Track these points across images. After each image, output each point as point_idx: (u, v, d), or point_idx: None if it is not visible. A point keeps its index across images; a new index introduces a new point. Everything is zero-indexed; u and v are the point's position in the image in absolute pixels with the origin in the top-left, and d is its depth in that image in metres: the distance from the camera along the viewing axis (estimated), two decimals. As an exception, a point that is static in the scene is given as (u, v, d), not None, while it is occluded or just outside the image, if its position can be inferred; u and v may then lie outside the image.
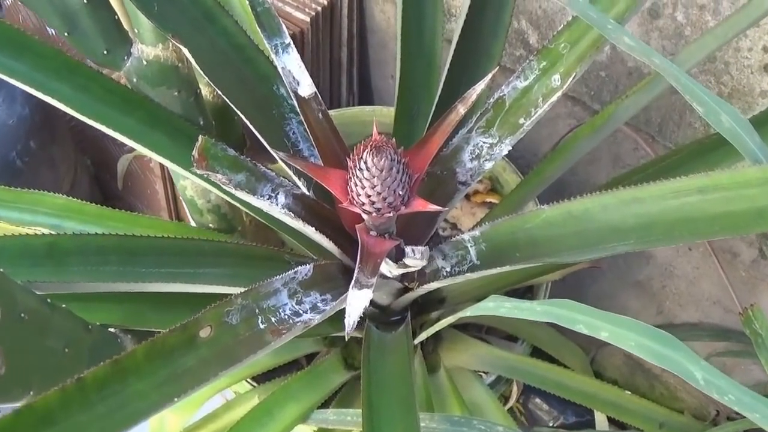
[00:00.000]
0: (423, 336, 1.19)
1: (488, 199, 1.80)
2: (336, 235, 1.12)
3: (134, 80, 1.20)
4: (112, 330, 1.21)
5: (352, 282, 0.91)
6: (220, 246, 1.17)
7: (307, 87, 1.06)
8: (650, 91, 1.16)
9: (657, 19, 1.46)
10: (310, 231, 1.08)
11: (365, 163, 0.98)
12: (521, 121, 1.08)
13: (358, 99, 2.13)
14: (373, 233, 1.08)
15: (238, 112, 1.11)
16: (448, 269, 1.15)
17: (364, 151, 0.98)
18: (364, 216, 0.95)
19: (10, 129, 1.90)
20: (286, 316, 1.00)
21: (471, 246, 1.14)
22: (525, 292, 1.73)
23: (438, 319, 1.46)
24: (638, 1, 1.01)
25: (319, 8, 1.86)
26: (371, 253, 1.02)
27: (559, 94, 1.01)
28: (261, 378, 1.63)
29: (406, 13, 1.28)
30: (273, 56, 1.05)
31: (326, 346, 1.56)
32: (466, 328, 1.65)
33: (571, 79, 0.99)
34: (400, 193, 0.99)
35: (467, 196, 1.82)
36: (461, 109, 1.00)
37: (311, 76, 1.08)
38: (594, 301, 2.06)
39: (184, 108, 1.21)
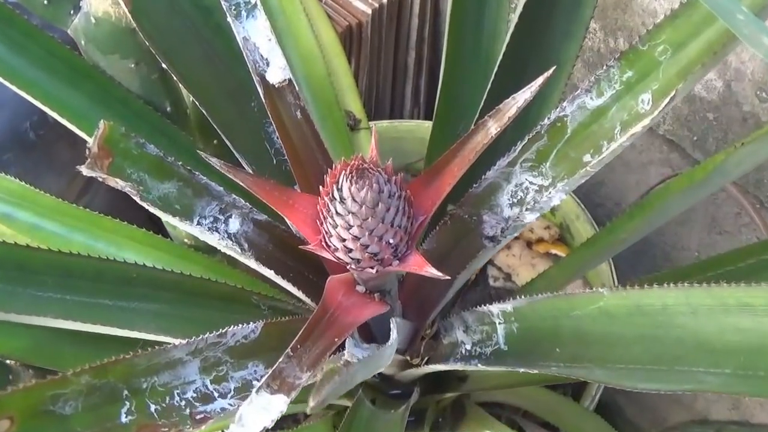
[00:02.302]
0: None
1: (554, 251, 1.43)
2: (319, 280, 0.77)
3: (82, 43, 0.86)
4: (8, 362, 0.88)
5: (264, 378, 0.53)
6: (154, 275, 0.81)
7: (278, 70, 0.70)
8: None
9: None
10: (269, 273, 0.73)
11: (340, 191, 0.61)
12: (586, 158, 0.68)
13: (424, 113, 1.74)
14: (359, 289, 0.72)
15: (194, 100, 0.74)
16: (468, 347, 0.84)
17: (341, 173, 0.61)
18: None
19: (26, 96, 1.58)
20: (184, 403, 0.62)
21: (499, 323, 0.81)
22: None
23: (457, 400, 1.08)
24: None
25: (384, 0, 1.48)
26: (334, 323, 0.65)
27: (647, 122, 0.61)
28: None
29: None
30: (231, 20, 0.67)
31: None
32: (501, 407, 1.25)
33: (667, 101, 0.58)
34: (391, 242, 0.63)
35: (529, 245, 1.44)
36: (492, 128, 0.62)
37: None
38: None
39: (145, 86, 0.87)
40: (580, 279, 1.37)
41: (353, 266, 0.67)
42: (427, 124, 1.52)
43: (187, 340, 0.65)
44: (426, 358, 0.89)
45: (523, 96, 0.60)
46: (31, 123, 1.62)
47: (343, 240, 0.65)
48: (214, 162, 0.63)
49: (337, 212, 0.64)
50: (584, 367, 0.68)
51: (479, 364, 0.80)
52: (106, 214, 1.06)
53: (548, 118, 0.71)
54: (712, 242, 1.43)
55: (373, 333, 0.84)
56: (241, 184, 0.65)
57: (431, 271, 0.63)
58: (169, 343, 0.73)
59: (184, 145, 0.91)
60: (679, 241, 1.51)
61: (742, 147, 0.79)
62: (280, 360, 0.56)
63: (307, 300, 0.80)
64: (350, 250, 0.66)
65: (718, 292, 0.59)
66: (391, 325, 0.69)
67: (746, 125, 1.28)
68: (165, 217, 0.67)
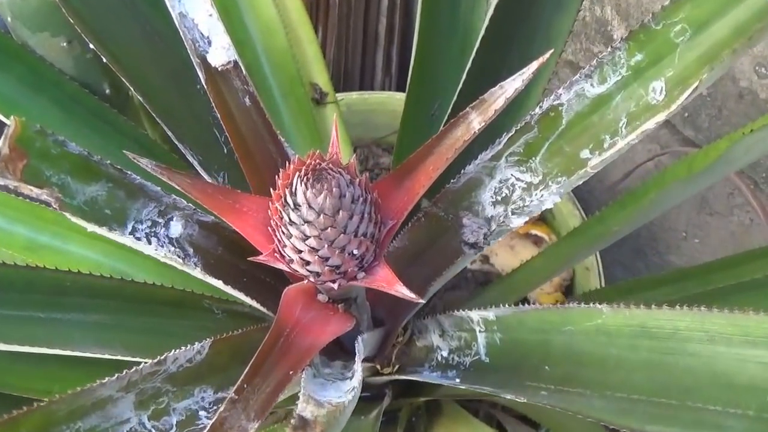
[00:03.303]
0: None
1: (534, 231, 1.33)
2: (278, 284, 0.67)
3: (8, 20, 0.75)
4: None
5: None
6: (91, 282, 0.71)
7: (221, 51, 0.59)
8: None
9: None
10: (217, 283, 0.62)
11: (294, 196, 0.50)
12: (584, 153, 0.57)
13: (396, 83, 1.63)
14: (321, 298, 0.61)
15: (129, 85, 0.63)
16: (445, 353, 0.75)
17: (294, 174, 0.51)
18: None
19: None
20: (115, 447, 0.51)
21: (480, 331, 0.72)
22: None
23: (432, 403, 1.00)
24: None
25: (353, -36, 1.36)
26: (289, 350, 0.55)
27: (661, 117, 0.50)
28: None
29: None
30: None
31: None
32: (478, 401, 1.16)
33: (689, 92, 0.48)
34: (355, 252, 0.52)
35: (508, 224, 1.32)
36: (475, 122, 0.52)
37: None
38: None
39: (79, 67, 0.77)
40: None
41: (312, 279, 0.57)
42: (399, 96, 1.41)
43: (117, 375, 0.54)
44: (397, 366, 0.80)
45: (512, 85, 0.50)
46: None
47: (299, 251, 0.54)
48: (144, 163, 0.52)
49: (290, 221, 0.53)
50: (579, 393, 0.58)
51: (457, 379, 0.70)
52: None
53: (540, 107, 0.60)
54: (702, 223, 1.33)
55: (340, 342, 0.74)
56: (177, 188, 0.54)
57: (402, 291, 0.53)
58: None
59: (126, 132, 0.80)
60: (667, 221, 1.41)
61: (751, 133, 0.68)
62: (222, 408, 0.46)
63: (263, 309, 0.69)
64: (308, 263, 0.55)
65: (742, 320, 0.49)
66: (356, 348, 0.59)
67: (742, 102, 1.17)
68: (90, 228, 0.56)
